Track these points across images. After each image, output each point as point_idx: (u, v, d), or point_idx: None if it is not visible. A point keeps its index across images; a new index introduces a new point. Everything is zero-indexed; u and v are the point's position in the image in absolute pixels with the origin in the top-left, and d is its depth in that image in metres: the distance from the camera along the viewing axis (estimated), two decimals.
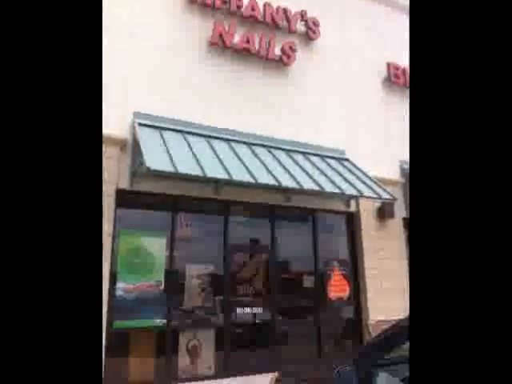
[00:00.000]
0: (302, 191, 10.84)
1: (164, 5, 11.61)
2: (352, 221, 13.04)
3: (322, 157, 12.53)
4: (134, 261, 10.09)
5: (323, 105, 13.30)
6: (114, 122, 10.08)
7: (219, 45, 11.84)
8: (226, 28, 11.95)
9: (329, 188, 10.64)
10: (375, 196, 11.25)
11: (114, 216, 9.84)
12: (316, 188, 10.41)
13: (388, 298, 12.35)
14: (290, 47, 12.85)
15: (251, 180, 9.79)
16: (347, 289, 12.34)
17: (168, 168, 8.89)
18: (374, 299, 12.32)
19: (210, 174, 9.35)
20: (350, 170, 12.22)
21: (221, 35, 11.81)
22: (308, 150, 12.55)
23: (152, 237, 10.46)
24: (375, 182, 11.92)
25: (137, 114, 10.56)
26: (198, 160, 9.72)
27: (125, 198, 10.23)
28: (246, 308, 11.01)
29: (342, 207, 12.70)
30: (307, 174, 11.12)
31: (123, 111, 10.43)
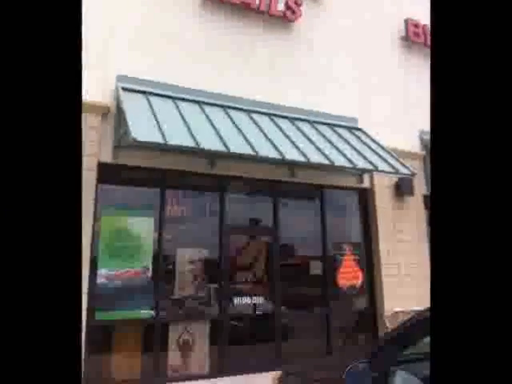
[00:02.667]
0: (308, 165, 10.70)
1: None
2: (365, 199, 12.96)
3: (332, 126, 12.39)
4: (117, 244, 9.96)
5: (333, 66, 13.13)
6: (95, 86, 9.86)
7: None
8: None
9: (339, 161, 10.41)
10: (391, 170, 11.08)
11: (95, 193, 9.66)
12: (325, 162, 10.23)
13: (407, 287, 12.33)
14: (295, 2, 12.58)
15: (251, 152, 9.60)
16: (360, 276, 12.31)
17: (157, 139, 8.72)
18: (391, 288, 12.28)
19: (205, 145, 9.12)
20: (362, 141, 12.09)
21: None
22: (316, 119, 12.36)
23: (138, 217, 10.32)
24: (391, 155, 11.73)
25: (121, 78, 10.35)
26: (190, 130, 9.50)
27: (107, 173, 10.06)
28: (244, 298, 10.94)
29: (353, 183, 12.57)
30: (314, 145, 10.94)
31: (105, 74, 10.23)
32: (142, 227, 10.36)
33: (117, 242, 9.99)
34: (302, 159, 10.12)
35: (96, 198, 9.75)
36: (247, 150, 9.65)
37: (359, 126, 12.96)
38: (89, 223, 9.45)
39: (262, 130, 10.78)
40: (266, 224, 11.70)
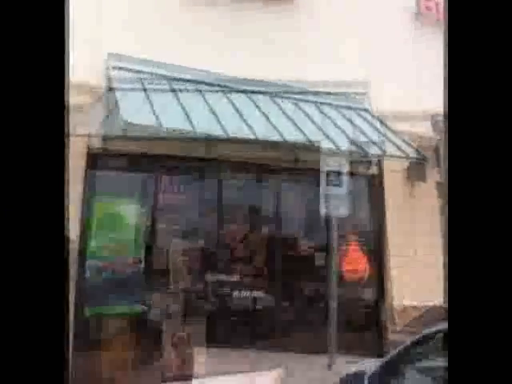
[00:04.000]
0: (312, 149, 10.57)
1: None
2: (374, 185, 12.94)
3: (337, 107, 12.45)
4: (108, 234, 10.02)
5: (338, 42, 13.05)
6: (84, 65, 9.38)
7: None
8: None
9: (345, 146, 10.61)
10: (401, 155, 11.15)
11: (84, 180, 9.72)
12: (330, 146, 10.35)
13: (418, 279, 12.23)
14: None
15: (251, 136, 9.64)
16: (367, 267, 12.27)
17: (150, 122, 8.75)
18: (401, 280, 12.25)
19: (202, 129, 9.19)
20: (369, 122, 12.16)
21: None
22: (319, 99, 12.41)
23: (130, 205, 10.41)
24: (401, 138, 11.71)
25: (112, 56, 10.28)
26: (186, 112, 9.52)
27: (98, 159, 10.08)
28: (244, 291, 11.01)
29: (360, 168, 12.51)
30: (318, 127, 11.03)
31: (95, 52, 10.08)
32: (134, 216, 10.47)
33: (107, 231, 10.05)
34: (306, 143, 10.22)
35: (85, 185, 9.77)
36: (247, 134, 9.65)
37: (366, 107, 12.92)
38: (77, 212, 9.49)
39: (262, 112, 10.81)
40: (266, 213, 11.76)
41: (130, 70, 10.34)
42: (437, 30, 13.57)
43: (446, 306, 3.57)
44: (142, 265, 10.20)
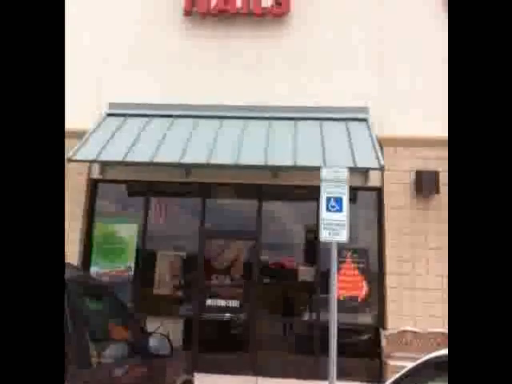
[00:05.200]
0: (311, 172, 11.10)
1: None
2: (374, 198, 12.94)
3: (328, 120, 13.07)
4: (106, 247, 12.99)
5: (340, 50, 13.53)
6: (87, 114, 13.09)
7: (195, 14, 13.71)
8: None
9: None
10: (351, 165, 11.14)
11: (87, 204, 13.10)
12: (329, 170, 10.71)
13: (422, 302, 11.93)
14: None
15: (248, 162, 11.51)
16: (363, 286, 12.27)
17: (90, 157, 11.80)
18: (400, 302, 12.02)
19: (161, 159, 11.65)
20: (368, 140, 12.31)
21: (194, 3, 13.50)
22: (310, 115, 13.17)
23: (124, 223, 13.17)
24: (375, 148, 11.80)
25: (111, 105, 13.31)
26: (158, 145, 11.99)
27: (97, 187, 13.36)
28: (219, 300, 12.45)
29: (358, 182, 12.57)
30: (318, 151, 11.81)
31: (97, 103, 13.35)
32: (128, 232, 13.03)
33: (106, 245, 12.97)
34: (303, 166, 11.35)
35: (88, 209, 13.03)
36: (243, 160, 11.48)
37: (373, 115, 12.88)
38: (81, 229, 12.88)
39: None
40: (250, 227, 12.80)
41: (120, 115, 13.35)
42: None
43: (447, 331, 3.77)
44: (132, 272, 12.83)
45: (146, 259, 12.88)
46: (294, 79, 13.23)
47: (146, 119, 12.98)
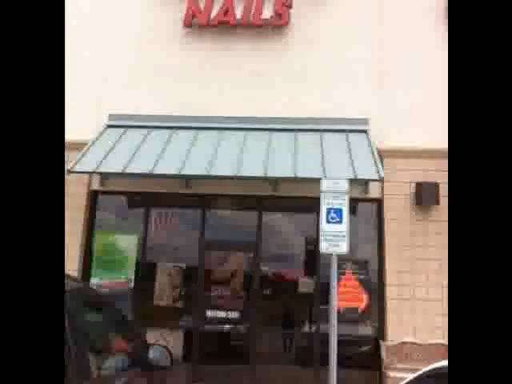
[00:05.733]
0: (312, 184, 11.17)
1: None
2: (374, 210, 13.05)
3: (326, 131, 13.15)
4: (106, 258, 13.13)
5: (340, 62, 13.68)
6: (89, 126, 13.29)
7: (194, 26, 13.87)
8: (202, 5, 13.69)
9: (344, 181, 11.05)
10: (350, 176, 11.28)
11: (88, 216, 13.23)
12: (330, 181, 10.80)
13: (422, 314, 12.03)
14: (285, 4, 13.55)
15: (247, 173, 11.66)
16: (364, 298, 12.40)
17: (90, 168, 11.93)
18: (400, 313, 12.11)
19: (158, 171, 11.71)
20: (368, 151, 12.41)
21: (194, 15, 13.67)
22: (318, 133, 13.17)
23: (124, 235, 13.35)
24: (375, 160, 11.90)
25: (111, 116, 13.52)
26: (158, 157, 12.12)
27: (97, 198, 13.46)
28: (219, 312, 12.63)
29: (358, 193, 12.65)
30: (318, 163, 11.90)
31: (98, 114, 13.52)
32: (128, 244, 13.19)
33: (106, 256, 13.12)
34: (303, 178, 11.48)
35: (88, 220, 13.19)
36: (244, 172, 11.64)
37: (372, 127, 13.08)
38: (82, 241, 13.01)
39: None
40: (249, 239, 12.91)
41: (120, 126, 13.51)
42: None
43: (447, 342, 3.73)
44: (132, 283, 12.92)
45: (146, 270, 13.04)
46: (293, 93, 13.44)
47: (146, 131, 13.19)
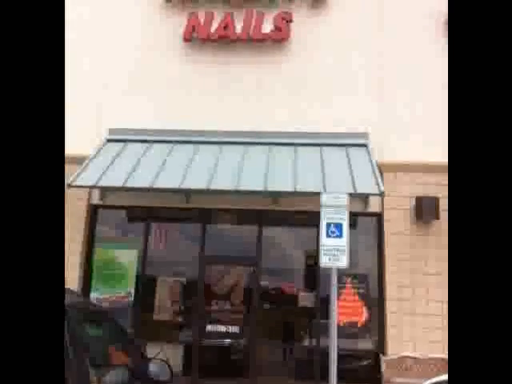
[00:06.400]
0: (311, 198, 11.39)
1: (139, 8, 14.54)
2: (374, 224, 13.17)
3: (325, 146, 13.22)
4: (106, 273, 13.19)
5: (340, 75, 13.79)
6: (88, 140, 13.32)
7: (194, 40, 14.01)
8: (202, 20, 13.88)
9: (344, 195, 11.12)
10: (350, 191, 11.16)
11: (88, 230, 13.31)
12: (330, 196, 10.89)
13: (422, 327, 12.07)
14: (285, 18, 13.77)
15: (248, 188, 11.69)
16: (363, 312, 12.51)
17: (90, 183, 11.96)
18: (400, 327, 12.17)
19: (158, 185, 11.77)
20: (368, 165, 12.46)
21: (194, 30, 13.87)
22: (306, 141, 13.37)
23: (124, 249, 13.42)
24: (375, 175, 11.96)
25: (111, 130, 13.64)
26: (158, 171, 12.16)
27: (97, 212, 13.60)
28: (219, 326, 12.67)
29: (358, 208, 12.78)
30: (318, 177, 11.98)
31: (98, 129, 13.62)
32: (128, 258, 13.31)
33: (106, 270, 13.20)
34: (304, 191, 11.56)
35: (88, 235, 13.32)
36: (244, 186, 11.68)
37: (373, 141, 13.08)
38: (82, 255, 13.09)
39: (239, 163, 12.58)
40: (250, 253, 13.03)
41: (120, 140, 13.58)
42: None
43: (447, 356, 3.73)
44: (132, 298, 13.00)
45: (146, 285, 13.18)
46: (293, 105, 13.66)
47: (146, 145, 13.39)
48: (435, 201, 12.49)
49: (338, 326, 11.54)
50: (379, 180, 11.62)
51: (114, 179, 11.99)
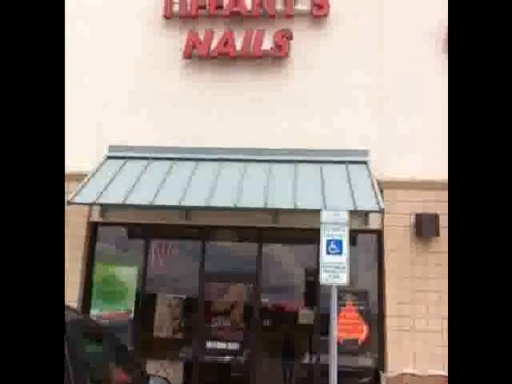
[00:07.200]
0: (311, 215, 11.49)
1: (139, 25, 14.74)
2: (374, 241, 13.30)
3: (324, 163, 13.37)
4: (106, 290, 13.30)
5: (340, 92, 13.88)
6: (91, 157, 13.55)
7: (194, 57, 14.21)
8: (202, 37, 14.11)
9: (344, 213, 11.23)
10: (350, 208, 11.34)
11: (88, 247, 13.43)
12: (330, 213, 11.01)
13: (423, 344, 12.14)
14: (285, 35, 14.01)
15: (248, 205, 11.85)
16: (363, 329, 12.65)
17: (90, 200, 12.14)
18: (400, 344, 12.25)
19: (158, 202, 11.89)
20: (368, 182, 12.63)
21: (194, 46, 14.11)
22: (305, 158, 13.52)
23: (124, 266, 13.61)
24: (375, 192, 12.12)
25: (111, 148, 13.87)
26: (158, 188, 12.30)
27: (97, 230, 13.72)
28: (218, 343, 12.78)
29: (358, 225, 12.89)
30: (318, 194, 12.10)
31: (98, 146, 13.79)
32: (128, 275, 13.47)
33: (106, 287, 13.33)
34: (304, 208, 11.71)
35: (88, 252, 13.47)
36: (244, 203, 11.85)
37: (373, 158, 13.26)
38: (82, 272, 13.23)
39: (239, 180, 12.76)
40: (249, 270, 13.16)
41: (120, 158, 13.73)
42: None
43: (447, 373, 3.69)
44: (132, 315, 13.13)
45: (146, 302, 13.39)
46: (293, 122, 13.93)
47: (146, 162, 13.71)
48: (435, 217, 12.68)
49: (338, 343, 11.81)
50: (379, 197, 11.79)
51: (114, 196, 12.25)
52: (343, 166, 13.26)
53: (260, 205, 11.83)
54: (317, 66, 14.15)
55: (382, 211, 11.77)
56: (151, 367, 11.95)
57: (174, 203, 11.91)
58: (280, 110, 13.93)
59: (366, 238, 13.35)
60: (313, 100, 13.95)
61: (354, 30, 14.31)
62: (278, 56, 14.03)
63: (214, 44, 14.11)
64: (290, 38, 13.99)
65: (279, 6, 14.24)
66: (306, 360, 12.87)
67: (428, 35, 13.98)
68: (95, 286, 13.39)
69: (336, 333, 9.99)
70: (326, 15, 14.19)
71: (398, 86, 13.83)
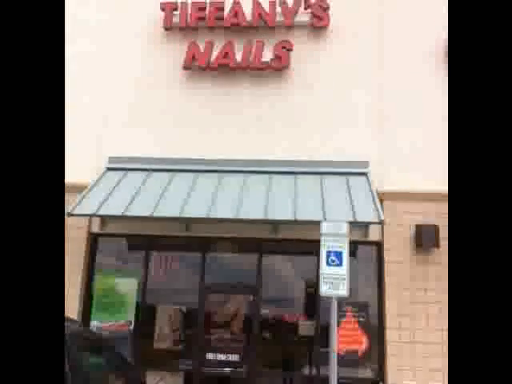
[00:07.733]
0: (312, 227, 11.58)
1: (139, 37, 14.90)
2: (374, 253, 13.38)
3: (325, 174, 13.45)
4: (106, 301, 13.36)
5: (340, 104, 14.00)
6: (91, 168, 13.68)
7: (194, 68, 14.33)
8: (202, 48, 14.26)
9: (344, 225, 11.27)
10: (349, 219, 11.46)
11: (88, 259, 13.48)
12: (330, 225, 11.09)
13: (423, 356, 12.19)
14: (286, 47, 14.19)
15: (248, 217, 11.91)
16: (363, 341, 12.75)
17: (90, 211, 12.20)
18: (400, 356, 12.32)
19: (158, 213, 11.92)
20: (368, 194, 12.71)
21: (194, 58, 14.26)
22: (305, 169, 13.62)
23: (124, 277, 13.63)
24: (375, 203, 12.15)
25: (111, 159, 13.99)
26: (158, 199, 12.36)
27: (97, 241, 13.80)
28: (219, 355, 12.81)
29: (358, 236, 13.00)
30: (318, 206, 12.18)
31: (98, 157, 13.93)
32: (128, 286, 13.55)
33: (106, 299, 13.40)
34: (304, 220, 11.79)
35: (88, 263, 13.55)
36: (243, 215, 11.92)
37: (373, 171, 13.32)
38: (82, 283, 13.22)
39: (239, 191, 12.83)
40: (249, 282, 13.30)
41: (121, 169, 13.84)
42: None
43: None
44: (132, 326, 13.17)
45: (146, 313, 13.47)
46: (293, 136, 14.11)
47: (146, 173, 13.89)
48: (435, 229, 12.77)
49: (338, 355, 11.93)
50: (379, 208, 11.88)
51: (114, 208, 12.40)
52: (343, 177, 13.39)
53: (260, 216, 11.96)
54: (317, 79, 14.35)
55: (381, 223, 11.89)
56: (151, 379, 12.17)
57: (175, 214, 12.02)
58: (280, 126, 14.08)
59: (366, 249, 13.44)
60: (313, 114, 14.10)
61: (354, 45, 14.53)
62: (279, 67, 14.18)
63: (213, 55, 14.26)
64: (290, 49, 14.16)
65: (279, 18, 14.32)
66: (306, 371, 12.94)
67: (428, 53, 14.19)
68: (95, 298, 13.49)
69: (336, 344, 10.10)
70: (326, 26, 14.25)
71: (397, 103, 14.00)
